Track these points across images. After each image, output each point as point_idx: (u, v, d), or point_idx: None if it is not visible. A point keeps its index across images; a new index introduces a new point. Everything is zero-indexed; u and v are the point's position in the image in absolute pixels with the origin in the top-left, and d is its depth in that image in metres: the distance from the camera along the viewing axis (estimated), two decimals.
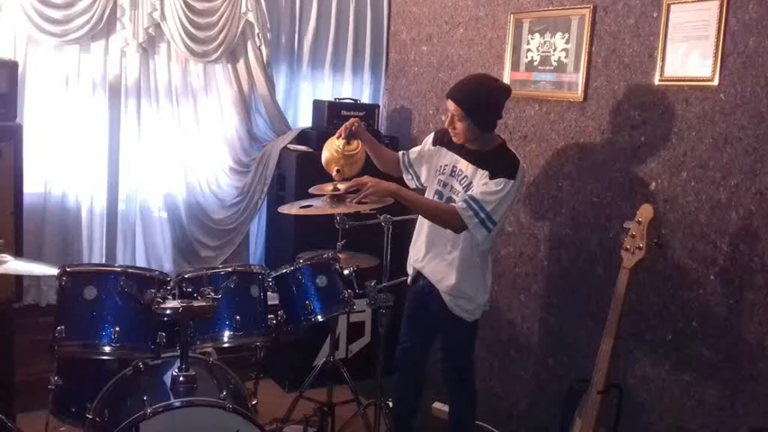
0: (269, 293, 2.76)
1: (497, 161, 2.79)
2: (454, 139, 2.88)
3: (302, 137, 4.19)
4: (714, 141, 2.70)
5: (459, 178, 2.87)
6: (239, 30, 3.95)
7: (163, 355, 2.49)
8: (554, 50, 3.34)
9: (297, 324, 2.83)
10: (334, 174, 3.01)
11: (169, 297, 2.44)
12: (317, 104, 4.27)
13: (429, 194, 3.00)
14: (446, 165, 2.95)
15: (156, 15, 3.69)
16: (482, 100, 2.79)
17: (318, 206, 2.91)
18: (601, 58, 3.14)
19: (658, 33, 2.87)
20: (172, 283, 2.56)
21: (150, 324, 2.43)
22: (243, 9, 3.92)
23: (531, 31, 3.47)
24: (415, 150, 3.17)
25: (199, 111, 3.99)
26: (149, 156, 3.87)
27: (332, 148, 3.03)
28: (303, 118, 4.38)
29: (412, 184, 3.17)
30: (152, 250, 3.97)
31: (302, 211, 2.92)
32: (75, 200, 3.72)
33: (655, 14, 2.90)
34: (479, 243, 2.80)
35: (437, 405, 3.70)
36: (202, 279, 2.59)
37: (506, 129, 3.56)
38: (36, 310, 3.57)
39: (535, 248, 3.48)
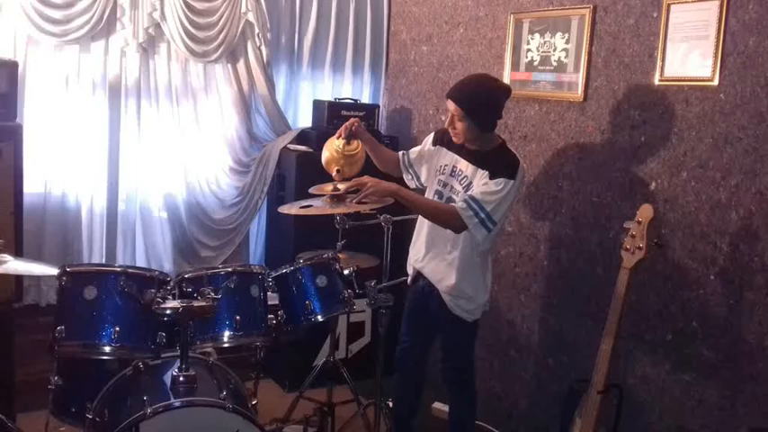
0: (269, 293, 2.76)
1: (497, 161, 2.79)
2: (454, 139, 2.88)
3: (302, 137, 4.19)
4: (714, 141, 2.70)
5: (459, 178, 2.87)
6: (239, 30, 3.95)
7: (163, 355, 2.49)
8: (554, 50, 3.34)
9: (297, 324, 2.83)
10: (334, 174, 3.01)
11: (169, 297, 2.44)
12: (317, 104, 4.27)
13: (429, 194, 3.00)
14: (446, 165, 2.95)
15: (156, 15, 3.69)
16: (482, 100, 2.79)
17: (318, 206, 2.91)
18: (601, 58, 3.14)
19: (658, 33, 2.87)
20: (172, 283, 2.56)
21: (150, 324, 2.43)
22: (243, 9, 3.92)
23: (531, 31, 3.47)
24: (415, 150, 3.17)
25: (199, 111, 3.99)
26: (149, 156, 3.87)
27: (332, 148, 3.03)
28: (303, 118, 4.38)
29: (412, 184, 3.17)
30: (152, 250, 3.97)
31: (302, 211, 2.92)
32: (75, 200, 3.72)
33: (655, 14, 2.90)
34: (479, 243, 2.80)
35: (437, 405, 3.70)
36: (202, 279, 2.58)
37: (506, 129, 3.56)
38: (36, 310, 3.57)
39: (535, 248, 3.48)
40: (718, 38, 2.65)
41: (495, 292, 3.50)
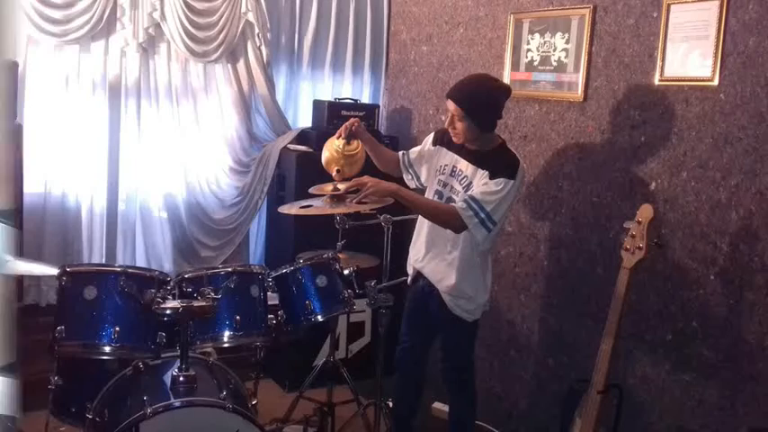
0: (269, 293, 2.76)
1: (497, 161, 2.79)
2: (454, 139, 2.88)
3: (302, 137, 4.19)
4: (714, 141, 2.70)
5: (459, 178, 2.87)
6: (239, 30, 3.95)
7: (163, 355, 2.49)
8: (554, 50, 3.34)
9: (297, 324, 2.83)
10: (334, 174, 3.01)
11: (169, 297, 2.45)
12: (317, 104, 4.27)
13: (429, 194, 3.00)
14: (446, 165, 2.95)
15: (156, 15, 3.69)
16: (482, 100, 2.79)
17: (318, 206, 2.91)
18: (601, 58, 3.14)
19: (658, 33, 2.87)
20: (172, 283, 2.56)
21: (150, 324, 2.44)
22: (243, 9, 3.92)
23: (531, 31, 3.47)
24: (415, 150, 3.17)
25: (199, 111, 3.99)
26: (149, 156, 3.87)
27: (332, 148, 3.03)
28: (303, 118, 4.38)
29: (412, 184, 3.17)
30: (152, 250, 3.97)
31: (302, 211, 2.92)
32: (75, 200, 3.72)
33: (655, 14, 2.90)
34: (479, 243, 2.80)
35: (437, 405, 3.70)
36: (202, 279, 2.59)
37: (506, 129, 3.56)
38: (36, 310, 3.57)
39: (535, 248, 3.48)
40: (718, 38, 2.65)
41: (495, 292, 3.50)
